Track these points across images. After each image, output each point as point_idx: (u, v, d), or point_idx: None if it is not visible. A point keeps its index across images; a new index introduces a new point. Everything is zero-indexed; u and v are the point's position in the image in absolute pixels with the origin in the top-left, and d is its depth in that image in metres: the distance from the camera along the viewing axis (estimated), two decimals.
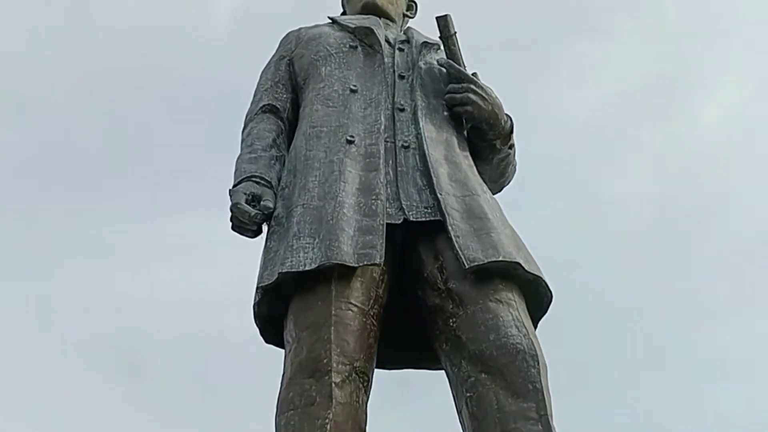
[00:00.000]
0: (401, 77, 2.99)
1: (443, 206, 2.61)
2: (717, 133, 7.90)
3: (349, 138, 2.79)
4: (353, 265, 2.50)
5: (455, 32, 2.98)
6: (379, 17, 3.21)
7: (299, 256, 2.54)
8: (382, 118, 2.85)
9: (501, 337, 2.40)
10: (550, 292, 2.60)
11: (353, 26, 3.11)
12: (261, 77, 3.22)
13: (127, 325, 7.67)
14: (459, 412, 2.45)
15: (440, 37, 3.00)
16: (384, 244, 2.55)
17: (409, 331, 2.74)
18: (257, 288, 2.63)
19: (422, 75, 2.99)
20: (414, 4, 3.48)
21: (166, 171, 8.15)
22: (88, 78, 8.33)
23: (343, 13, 3.44)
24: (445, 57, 3.02)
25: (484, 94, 2.91)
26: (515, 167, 3.14)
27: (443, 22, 2.98)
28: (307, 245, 2.56)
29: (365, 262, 2.51)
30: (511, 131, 3.00)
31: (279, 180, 2.88)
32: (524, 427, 2.28)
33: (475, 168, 2.86)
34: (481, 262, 2.49)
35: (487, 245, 2.53)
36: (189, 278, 7.83)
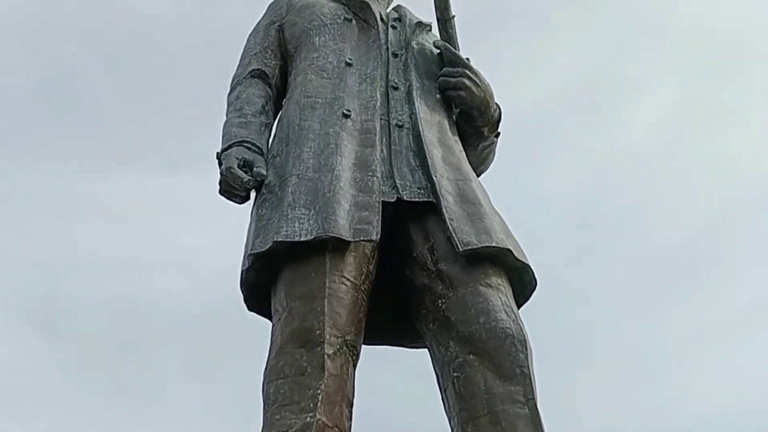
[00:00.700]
0: (395, 55, 2.99)
1: (438, 189, 2.64)
2: (646, 137, 8.16)
3: (345, 112, 2.78)
4: (349, 239, 2.51)
5: (454, 15, 2.99)
6: None
7: (294, 227, 2.53)
8: (378, 95, 2.85)
9: (491, 320, 2.45)
10: (535, 280, 2.66)
11: None
12: (249, 41, 3.17)
13: (49, 282, 7.44)
14: (444, 391, 2.49)
15: (439, 19, 3.01)
16: (380, 221, 2.56)
17: (388, 309, 2.76)
18: (248, 254, 2.60)
19: (415, 55, 3.00)
20: None
21: (103, 125, 7.89)
22: (22, 26, 8.00)
23: None
24: (439, 39, 3.03)
25: (477, 81, 2.94)
26: (494, 156, 3.19)
27: (443, 4, 2.99)
28: (303, 216, 2.55)
29: (361, 238, 2.52)
30: (499, 120, 3.04)
31: (267, 147, 2.86)
32: (512, 409, 2.34)
33: (464, 153, 2.90)
34: (475, 247, 2.53)
35: (480, 230, 2.57)
36: (116, 238, 7.64)
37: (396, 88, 2.90)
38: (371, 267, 2.61)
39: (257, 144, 2.81)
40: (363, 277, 2.57)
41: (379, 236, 2.53)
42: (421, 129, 2.78)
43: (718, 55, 8.14)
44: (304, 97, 2.86)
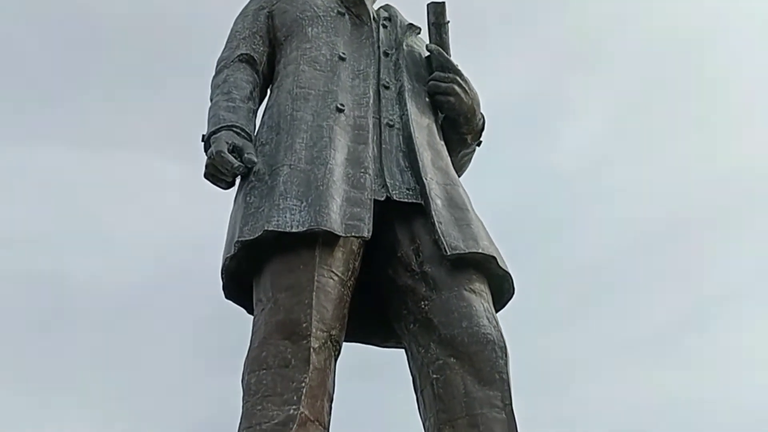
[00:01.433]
0: (385, 54, 3.00)
1: (428, 191, 2.66)
2: (572, 159, 8.38)
3: (339, 106, 2.78)
4: (341, 234, 2.51)
5: (449, 21, 3.02)
6: None
7: (286, 217, 2.51)
8: (371, 92, 2.86)
9: (473, 325, 2.48)
10: (514, 288, 2.71)
11: None
12: (236, 24, 3.13)
13: None
14: (420, 392, 2.51)
15: (433, 23, 3.03)
16: (371, 219, 2.56)
17: (363, 306, 2.76)
18: (235, 241, 2.56)
19: (406, 56, 3.02)
20: None
21: (24, 96, 7.58)
22: None
23: None
24: (429, 42, 3.05)
25: (467, 88, 2.98)
26: (469, 165, 3.24)
27: (439, 9, 3.01)
28: (294, 207, 2.54)
29: (353, 234, 2.52)
30: (483, 129, 3.09)
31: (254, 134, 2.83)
32: (490, 413, 2.38)
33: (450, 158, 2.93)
34: (462, 252, 2.56)
35: (468, 236, 2.61)
36: (33, 212, 7.36)
37: (387, 87, 2.92)
38: (357, 264, 2.61)
39: (246, 130, 2.78)
40: (349, 273, 2.57)
41: (370, 234, 2.54)
42: (412, 130, 2.80)
43: (646, 83, 8.46)
44: (296, 87, 2.85)
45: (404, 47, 3.04)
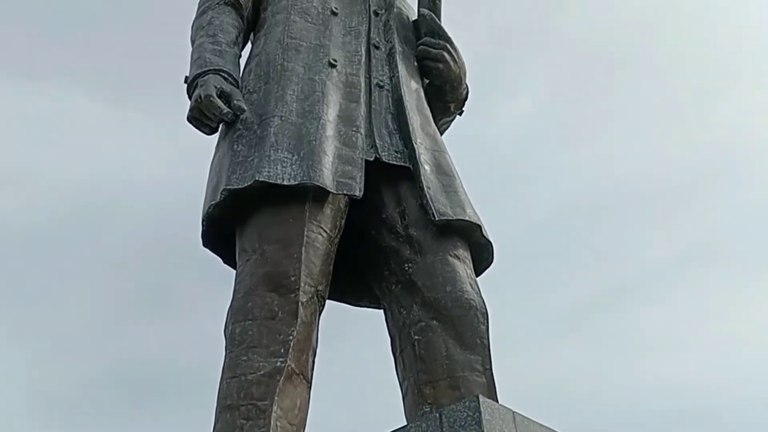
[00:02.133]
0: (375, 14, 2.98)
1: (417, 156, 2.67)
2: (506, 136, 8.52)
3: (332, 61, 2.75)
4: (332, 191, 2.49)
5: None
6: None
7: (277, 169, 2.48)
8: (362, 51, 2.84)
9: (457, 290, 2.51)
10: (492, 258, 2.75)
11: None
12: None
13: None
14: (400, 351, 2.53)
15: None
16: (363, 178, 2.56)
17: (339, 265, 2.76)
18: (222, 189, 2.51)
19: (395, 17, 3.01)
20: None
21: None
22: None
23: None
24: (422, 7, 3.04)
25: (456, 56, 2.99)
26: (446, 132, 3.26)
27: None
28: (286, 159, 2.51)
29: (344, 192, 2.51)
30: (466, 98, 3.11)
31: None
32: (471, 376, 2.42)
33: None
34: (450, 218, 2.58)
35: (455, 203, 2.63)
36: None
37: (377, 48, 2.90)
38: (342, 222, 2.60)
39: (234, 76, 2.72)
40: (336, 230, 2.56)
41: (362, 193, 2.53)
42: (402, 93, 2.79)
43: (584, 68, 8.65)
44: (287, 38, 2.80)
45: (394, 9, 3.03)
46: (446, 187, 2.67)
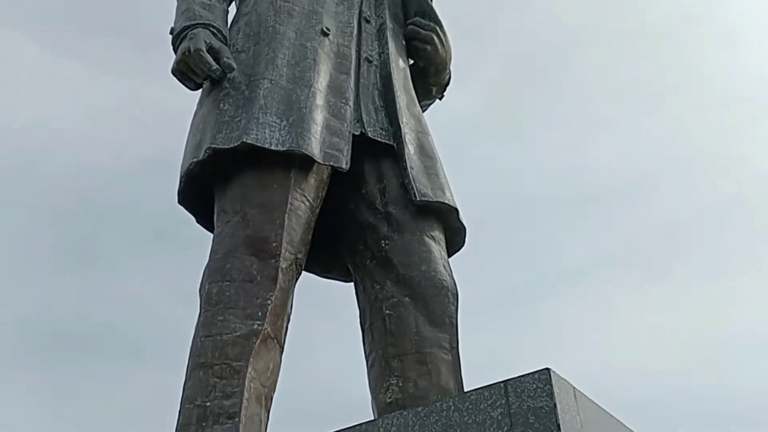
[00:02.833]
0: None
1: (402, 135, 2.68)
2: (448, 128, 8.61)
3: (325, 30, 2.74)
4: (319, 161, 2.50)
5: None
6: None
7: (265, 132, 2.47)
8: (354, 22, 2.84)
9: (431, 270, 2.55)
10: (464, 243, 2.80)
11: None
12: None
13: None
14: (370, 324, 2.56)
15: None
16: (350, 151, 2.57)
17: (313, 236, 2.77)
18: (206, 147, 2.48)
19: None
20: None
21: None
22: None
23: None
24: None
25: (444, 40, 3.01)
26: None
27: None
28: (274, 124, 2.50)
29: (331, 163, 2.52)
30: (448, 83, 3.14)
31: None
32: (438, 354, 2.46)
33: None
34: (430, 200, 2.61)
35: (436, 186, 2.66)
36: None
37: (368, 21, 2.90)
38: (324, 192, 2.61)
39: (223, 32, 2.69)
40: (318, 200, 2.57)
41: (348, 166, 2.54)
42: (391, 70, 2.80)
43: (528, 62, 8.80)
44: (280, 0, 2.78)
45: None
46: (428, 169, 2.70)
